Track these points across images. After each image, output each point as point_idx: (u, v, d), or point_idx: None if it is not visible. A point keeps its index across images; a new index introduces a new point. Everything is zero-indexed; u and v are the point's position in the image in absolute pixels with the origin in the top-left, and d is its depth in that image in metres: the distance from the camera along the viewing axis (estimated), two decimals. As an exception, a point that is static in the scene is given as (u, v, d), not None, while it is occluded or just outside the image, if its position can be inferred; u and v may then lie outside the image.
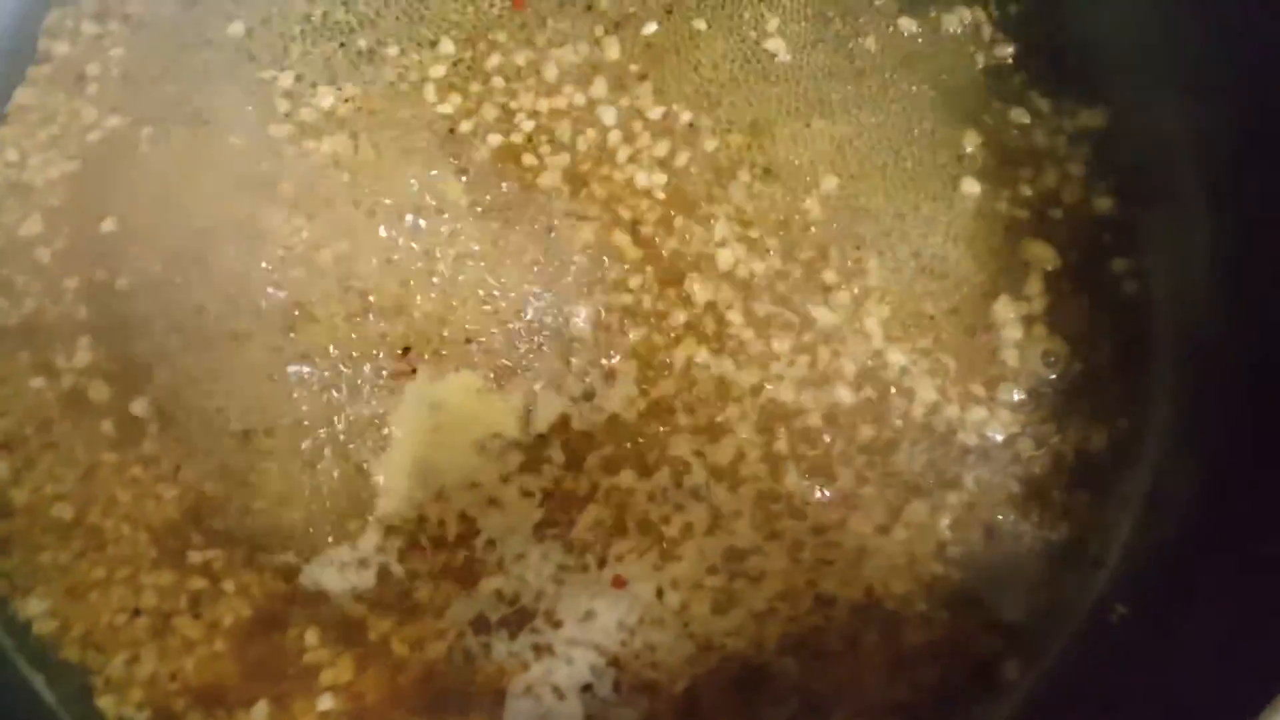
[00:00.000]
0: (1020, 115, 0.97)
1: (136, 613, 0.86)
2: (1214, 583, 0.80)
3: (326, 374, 0.90)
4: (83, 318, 0.93)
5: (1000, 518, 0.88)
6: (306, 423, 0.89)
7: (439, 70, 0.99)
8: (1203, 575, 0.81)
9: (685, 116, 0.97)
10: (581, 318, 0.92)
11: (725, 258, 0.93)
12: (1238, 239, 0.87)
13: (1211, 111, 0.89)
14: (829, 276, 0.93)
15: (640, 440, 0.89)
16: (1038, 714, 0.84)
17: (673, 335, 0.91)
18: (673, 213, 0.94)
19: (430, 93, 0.98)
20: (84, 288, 0.94)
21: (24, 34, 0.99)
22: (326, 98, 0.98)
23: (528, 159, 0.95)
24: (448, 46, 0.99)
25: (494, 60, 0.99)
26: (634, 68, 0.99)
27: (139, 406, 0.90)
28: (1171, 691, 0.77)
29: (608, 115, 0.97)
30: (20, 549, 0.88)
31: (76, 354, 0.92)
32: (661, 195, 0.95)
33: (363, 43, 1.00)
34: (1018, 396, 0.90)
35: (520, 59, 0.99)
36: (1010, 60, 0.98)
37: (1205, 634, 0.78)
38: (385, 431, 0.89)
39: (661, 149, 0.96)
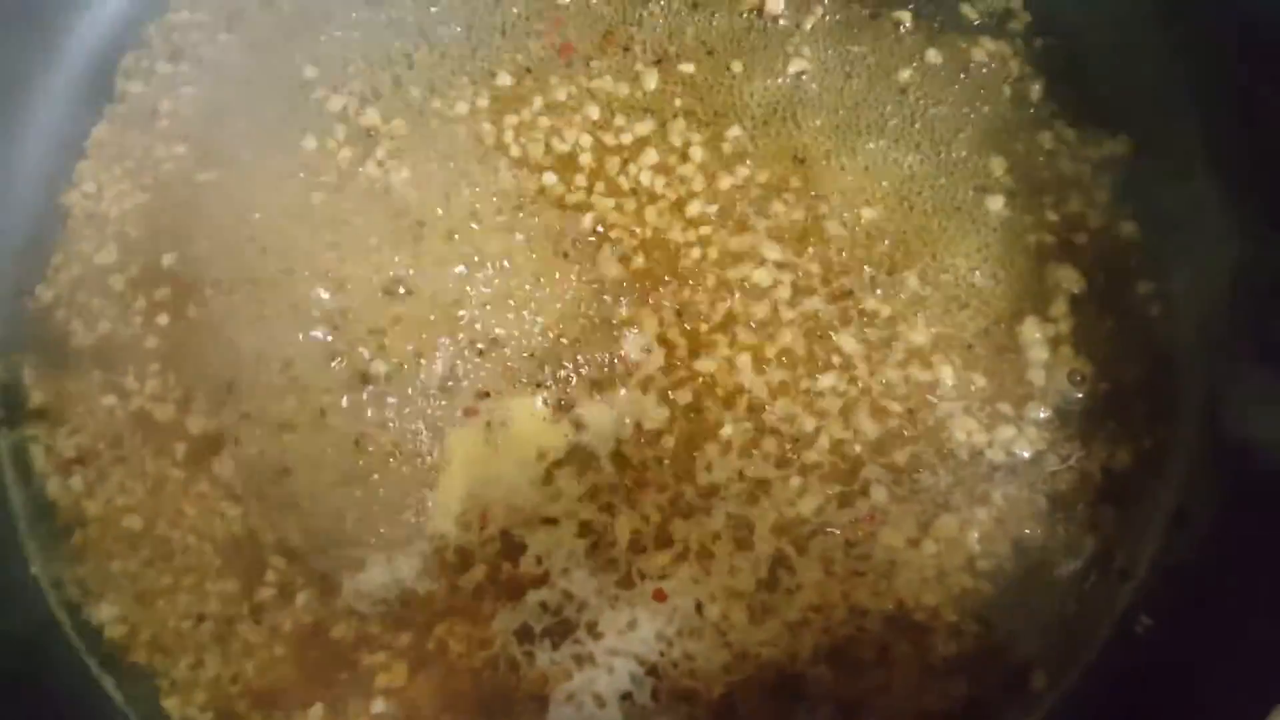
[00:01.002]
0: (1047, 142, 1.00)
1: (201, 618, 0.91)
2: (1238, 596, 0.82)
3: (384, 395, 0.95)
4: (151, 342, 0.99)
5: (1028, 532, 0.90)
6: (368, 443, 0.94)
7: (489, 103, 1.04)
8: (1227, 588, 0.83)
9: (724, 149, 1.02)
10: (626, 342, 0.96)
11: (765, 283, 0.97)
12: (1260, 263, 0.89)
13: (1232, 139, 0.92)
14: (864, 300, 0.96)
15: (682, 461, 0.93)
16: (1066, 722, 0.86)
17: (713, 358, 0.95)
18: (714, 240, 0.98)
19: (483, 125, 1.03)
20: (153, 313, 0.99)
21: (101, 74, 1.06)
22: (383, 126, 1.04)
23: (573, 189, 1.00)
24: (504, 79, 1.04)
25: (539, 98, 1.04)
26: (678, 103, 1.04)
27: (203, 427, 0.96)
28: (1195, 702, 0.79)
29: (648, 151, 1.01)
30: (93, 557, 0.93)
31: (146, 376, 0.98)
32: (704, 225, 0.99)
33: (419, 77, 1.05)
34: (1044, 415, 0.93)
35: (564, 95, 1.04)
36: (1037, 91, 1.02)
37: (1229, 646, 0.80)
38: (442, 451, 0.94)
39: (701, 181, 1.01)
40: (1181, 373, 0.93)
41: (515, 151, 1.02)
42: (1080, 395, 0.94)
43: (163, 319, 0.99)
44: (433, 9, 1.08)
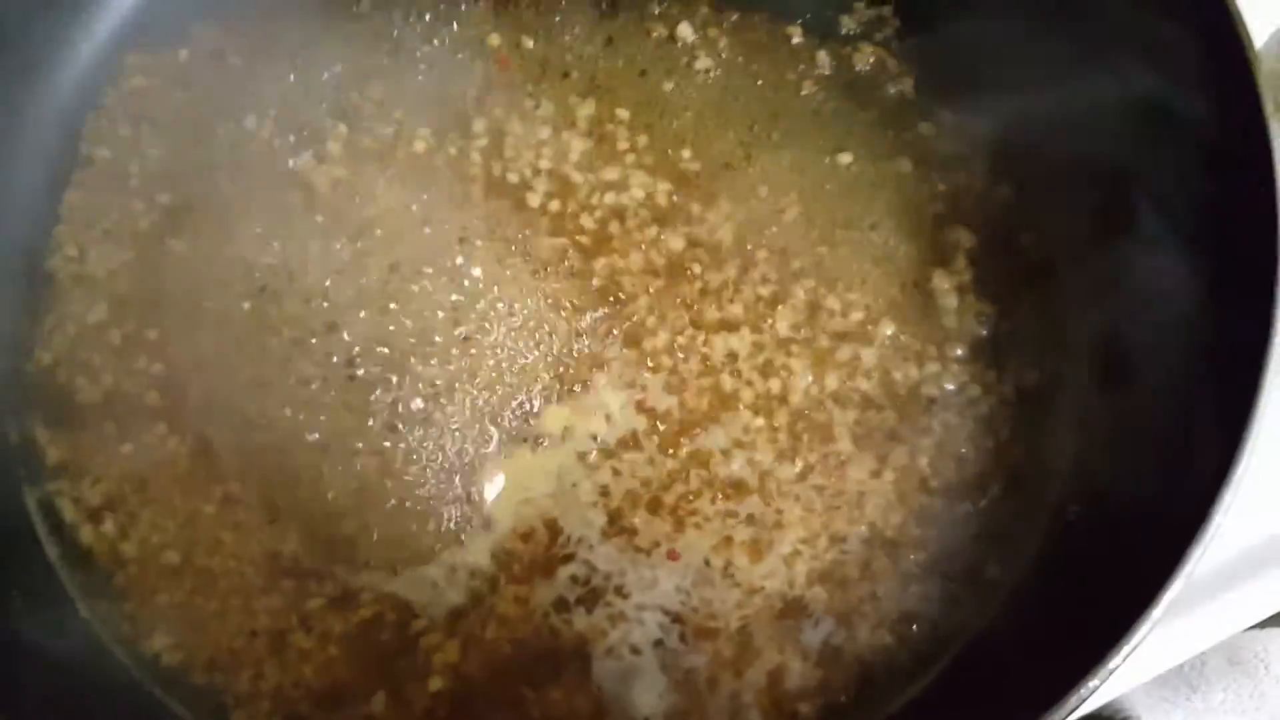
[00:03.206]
0: (928, 129, 1.18)
1: (254, 634, 0.97)
2: (1135, 475, 1.01)
3: (409, 425, 1.03)
4: (154, 396, 1.04)
5: (964, 451, 1.07)
6: (398, 467, 1.02)
7: (439, 137, 1.14)
8: (1127, 471, 1.02)
9: (670, 165, 1.15)
10: (610, 347, 1.08)
11: (716, 283, 1.11)
12: (1111, 202, 1.09)
13: (1077, 108, 1.12)
14: (802, 279, 1.11)
15: (673, 440, 1.06)
16: (1021, 602, 1.03)
17: (677, 346, 1.08)
18: (660, 234, 1.12)
19: (442, 153, 1.13)
20: (151, 364, 1.05)
21: (66, 141, 1.10)
22: (342, 169, 1.12)
23: (543, 210, 1.12)
24: (478, 125, 1.15)
25: (486, 126, 1.15)
26: (618, 126, 1.17)
27: (227, 465, 1.02)
28: (1121, 564, 0.97)
29: (604, 170, 1.14)
30: (137, 595, 0.98)
31: (156, 426, 1.03)
32: (648, 218, 1.13)
33: (381, 123, 1.14)
34: (961, 352, 1.10)
35: (519, 127, 1.16)
36: (913, 85, 1.20)
37: (1141, 516, 0.98)
38: (473, 468, 1.03)
39: (640, 188, 1.14)
40: (1067, 300, 1.11)
41: (480, 177, 1.13)
42: (985, 332, 1.12)
43: (161, 370, 1.05)
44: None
